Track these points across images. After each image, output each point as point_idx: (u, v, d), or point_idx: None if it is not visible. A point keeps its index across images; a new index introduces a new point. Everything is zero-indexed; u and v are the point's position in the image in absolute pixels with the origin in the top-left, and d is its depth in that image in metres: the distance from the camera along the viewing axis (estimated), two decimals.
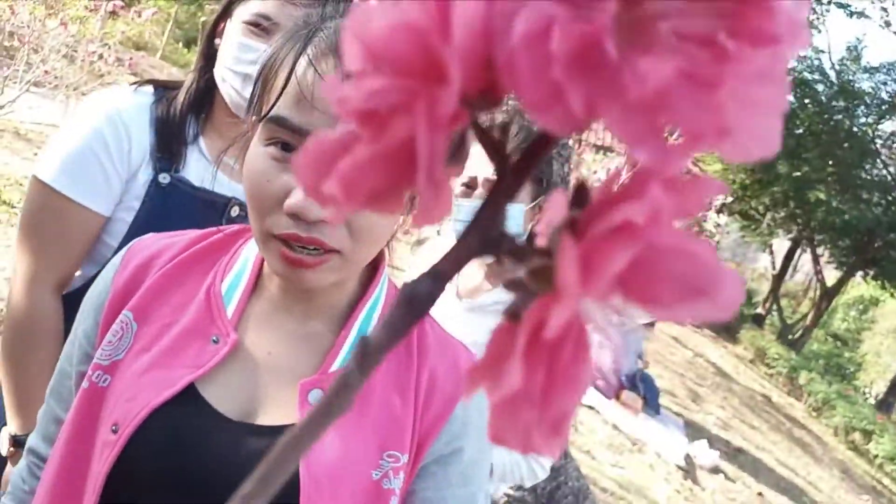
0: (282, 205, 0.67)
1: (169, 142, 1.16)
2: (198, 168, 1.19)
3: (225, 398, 0.73)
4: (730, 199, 16.09)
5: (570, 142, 2.89)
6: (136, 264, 0.79)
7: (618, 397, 6.00)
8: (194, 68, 1.24)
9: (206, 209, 1.16)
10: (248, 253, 0.80)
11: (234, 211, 1.19)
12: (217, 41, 1.21)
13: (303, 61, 0.68)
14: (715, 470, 5.62)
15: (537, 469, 1.58)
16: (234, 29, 1.16)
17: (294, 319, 0.77)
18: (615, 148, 9.27)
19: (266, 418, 0.73)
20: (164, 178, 1.15)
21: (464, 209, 1.47)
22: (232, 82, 1.16)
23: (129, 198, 1.15)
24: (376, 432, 0.73)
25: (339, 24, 0.70)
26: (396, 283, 0.86)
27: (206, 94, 1.22)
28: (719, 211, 16.65)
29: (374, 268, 0.82)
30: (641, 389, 6.14)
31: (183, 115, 1.18)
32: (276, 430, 0.72)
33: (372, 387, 0.74)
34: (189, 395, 0.71)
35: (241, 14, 1.16)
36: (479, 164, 1.44)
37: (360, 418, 0.73)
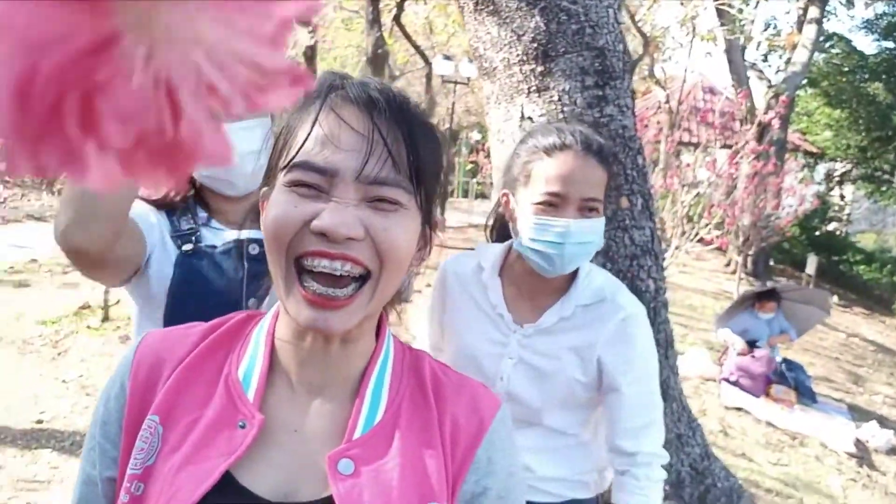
0: (308, 225, 0.70)
1: (180, 225, 1.34)
2: (214, 239, 1.35)
3: (262, 481, 0.75)
4: (849, 167, 15.11)
5: (637, 134, 2.85)
6: (148, 365, 0.81)
7: (767, 394, 5.66)
8: None
9: (228, 257, 1.28)
10: (259, 334, 0.83)
11: (253, 249, 1.29)
12: None
13: (324, 112, 0.73)
14: (893, 451, 5.15)
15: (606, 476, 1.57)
16: None
17: (313, 393, 0.80)
18: (709, 143, 8.97)
19: (302, 495, 0.75)
20: (188, 247, 1.31)
21: (547, 229, 1.31)
22: (211, 174, 1.33)
23: (162, 272, 1.29)
24: (415, 487, 0.75)
25: (356, 82, 0.75)
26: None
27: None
28: (841, 182, 15.67)
29: (378, 330, 0.85)
30: (791, 380, 5.77)
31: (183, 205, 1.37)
32: None
33: (404, 446, 0.77)
34: (227, 484, 0.73)
35: None
36: (561, 182, 1.31)
37: (398, 478, 0.75)
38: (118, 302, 5.95)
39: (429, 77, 16.29)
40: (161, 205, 1.35)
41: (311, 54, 12.51)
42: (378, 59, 12.55)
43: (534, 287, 1.45)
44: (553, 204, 1.32)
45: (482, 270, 1.50)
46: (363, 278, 0.73)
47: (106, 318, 5.81)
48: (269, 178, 0.79)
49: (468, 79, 14.31)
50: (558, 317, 1.42)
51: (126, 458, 0.78)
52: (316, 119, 0.73)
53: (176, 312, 1.24)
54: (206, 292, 1.22)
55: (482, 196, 17.69)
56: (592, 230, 1.33)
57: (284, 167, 0.73)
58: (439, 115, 19.92)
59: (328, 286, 0.71)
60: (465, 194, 18.54)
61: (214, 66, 0.19)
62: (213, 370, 0.80)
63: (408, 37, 11.57)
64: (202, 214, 1.37)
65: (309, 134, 0.72)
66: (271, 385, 0.80)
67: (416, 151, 0.73)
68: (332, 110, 0.73)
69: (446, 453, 0.78)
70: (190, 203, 1.38)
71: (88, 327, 5.66)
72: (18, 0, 0.17)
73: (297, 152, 0.72)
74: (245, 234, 1.28)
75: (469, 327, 1.49)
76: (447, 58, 13.59)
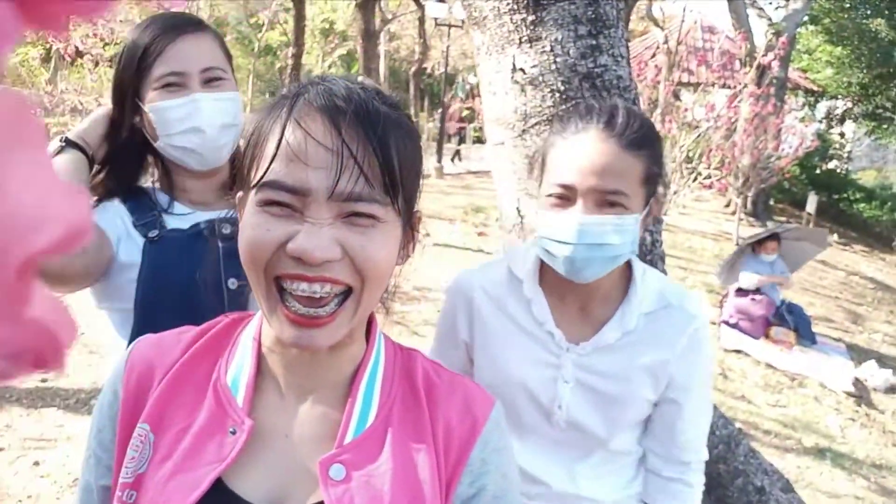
0: (284, 248, 0.69)
1: (141, 214, 1.28)
2: (178, 223, 1.29)
3: (253, 487, 0.74)
4: (850, 105, 14.91)
5: (632, 84, 2.78)
6: (139, 372, 0.80)
7: (766, 335, 5.69)
8: (113, 147, 1.32)
9: (199, 241, 1.24)
10: (247, 339, 0.82)
11: (226, 229, 1.24)
12: (136, 118, 1.29)
13: (290, 126, 0.70)
14: (892, 389, 5.21)
15: None
16: (151, 99, 1.24)
17: (303, 397, 0.79)
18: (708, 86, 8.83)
19: (293, 500, 0.75)
20: (154, 233, 1.25)
21: (555, 227, 1.14)
22: (182, 144, 1.25)
23: (128, 264, 1.24)
24: (407, 492, 0.74)
25: (321, 88, 0.72)
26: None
27: (138, 167, 1.34)
28: (842, 119, 15.48)
29: (369, 332, 0.84)
30: (791, 322, 5.79)
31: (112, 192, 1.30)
32: None
33: (395, 450, 0.76)
34: (218, 491, 0.73)
35: (150, 84, 1.24)
36: (573, 171, 1.12)
37: (390, 483, 0.74)
38: None
39: (421, 20, 15.96)
40: (118, 191, 1.30)
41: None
42: (368, 2, 12.27)
43: (580, 295, 1.26)
44: (565, 197, 1.13)
45: (518, 281, 1.30)
46: (345, 293, 0.72)
47: None
48: (241, 183, 0.77)
49: (462, 21, 14.03)
50: (621, 331, 1.24)
51: (120, 466, 0.78)
52: (283, 132, 0.70)
53: (148, 301, 1.21)
54: (178, 276, 1.19)
55: (479, 141, 17.50)
56: (614, 230, 1.11)
57: (255, 185, 0.71)
58: (434, 59, 19.60)
59: (310, 306, 0.70)
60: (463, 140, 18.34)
61: None
62: (202, 376, 0.80)
63: None
64: (163, 199, 1.32)
65: (277, 150, 0.70)
66: (260, 390, 0.79)
67: (388, 160, 0.71)
68: (298, 124, 0.70)
69: (439, 456, 0.78)
70: (150, 189, 1.33)
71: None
72: None
73: (266, 169, 0.70)
74: (214, 214, 1.25)
75: (511, 351, 1.29)
76: (440, 0, 13.28)
